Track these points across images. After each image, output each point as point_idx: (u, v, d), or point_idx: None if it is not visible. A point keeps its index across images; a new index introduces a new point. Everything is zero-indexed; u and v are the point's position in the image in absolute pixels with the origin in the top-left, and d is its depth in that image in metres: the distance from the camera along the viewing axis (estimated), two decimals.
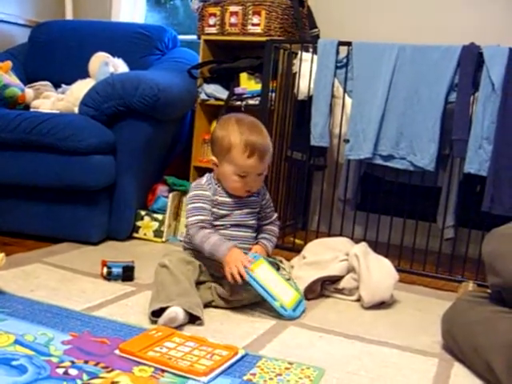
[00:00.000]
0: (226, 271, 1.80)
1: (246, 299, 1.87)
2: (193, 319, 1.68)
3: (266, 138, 1.88)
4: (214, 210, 1.89)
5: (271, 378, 1.37)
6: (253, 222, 1.97)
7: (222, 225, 1.90)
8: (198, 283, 1.84)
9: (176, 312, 1.62)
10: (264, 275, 1.82)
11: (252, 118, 1.95)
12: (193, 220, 1.87)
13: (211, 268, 1.89)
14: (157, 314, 1.65)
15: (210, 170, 1.99)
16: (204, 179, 1.95)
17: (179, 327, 1.63)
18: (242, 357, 1.47)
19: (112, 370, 1.32)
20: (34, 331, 1.51)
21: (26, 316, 1.61)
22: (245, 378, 1.36)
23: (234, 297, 1.84)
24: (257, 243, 1.99)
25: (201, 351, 1.45)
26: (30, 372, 1.28)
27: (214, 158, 1.90)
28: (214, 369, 1.36)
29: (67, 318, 1.64)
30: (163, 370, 1.35)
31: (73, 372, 1.30)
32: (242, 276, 1.76)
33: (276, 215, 2.08)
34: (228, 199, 1.91)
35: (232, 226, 1.91)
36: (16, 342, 1.43)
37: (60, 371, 1.30)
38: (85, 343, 1.47)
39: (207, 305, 1.83)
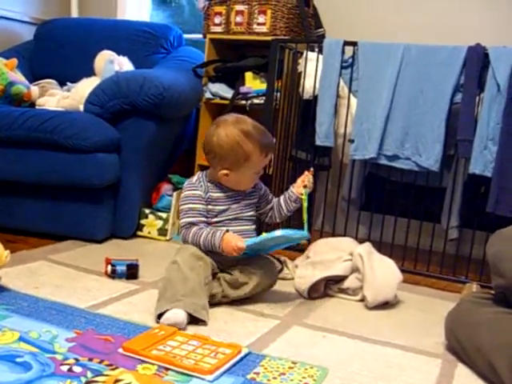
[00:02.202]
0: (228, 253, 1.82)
1: (255, 284, 1.88)
2: (197, 319, 1.68)
3: (266, 130, 1.93)
4: (210, 207, 1.89)
5: (275, 378, 1.37)
6: (251, 213, 1.97)
7: (220, 221, 1.90)
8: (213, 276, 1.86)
9: (177, 315, 1.61)
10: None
11: (236, 114, 1.95)
12: (182, 223, 1.88)
13: (218, 259, 1.89)
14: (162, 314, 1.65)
15: None
16: (195, 177, 1.94)
17: (194, 325, 1.63)
18: (246, 355, 1.47)
19: (116, 368, 1.33)
20: (38, 328, 1.51)
21: (30, 313, 1.62)
22: (248, 376, 1.36)
23: (243, 279, 1.86)
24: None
25: (204, 349, 1.45)
26: (35, 369, 1.28)
27: (225, 171, 1.86)
28: (219, 367, 1.36)
29: (71, 315, 1.64)
30: (167, 368, 1.35)
31: (77, 369, 1.30)
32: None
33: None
34: (222, 194, 1.91)
35: (230, 220, 1.91)
36: (20, 339, 1.44)
37: (64, 368, 1.30)
38: (89, 341, 1.47)
39: (211, 303, 1.82)
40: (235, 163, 1.85)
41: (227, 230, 1.84)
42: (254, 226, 1.99)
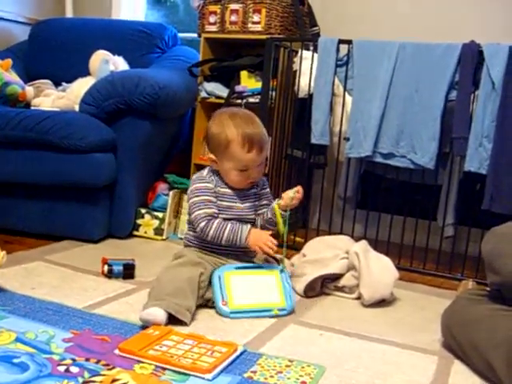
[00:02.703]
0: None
1: None
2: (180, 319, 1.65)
3: (262, 129, 1.90)
4: (218, 202, 1.91)
5: (272, 376, 1.37)
6: (252, 216, 1.98)
7: (225, 219, 1.89)
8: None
9: (156, 314, 1.59)
10: (242, 290, 1.83)
11: (245, 110, 1.97)
12: (200, 214, 1.86)
13: (216, 265, 1.89)
14: None
15: None
16: (205, 171, 1.96)
17: (178, 325, 1.62)
18: (242, 353, 1.48)
19: (113, 368, 1.33)
20: (35, 329, 1.51)
21: (27, 314, 1.62)
22: (245, 375, 1.36)
23: None
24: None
25: (200, 348, 1.45)
26: (32, 370, 1.29)
27: (212, 156, 1.91)
28: (217, 365, 1.36)
29: (68, 315, 1.64)
30: (164, 368, 1.35)
31: (74, 370, 1.30)
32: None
33: None
34: (229, 190, 1.93)
35: (235, 220, 1.90)
36: (17, 339, 1.44)
37: (61, 369, 1.30)
38: (86, 341, 1.47)
39: (210, 306, 1.82)
40: (217, 148, 1.87)
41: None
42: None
